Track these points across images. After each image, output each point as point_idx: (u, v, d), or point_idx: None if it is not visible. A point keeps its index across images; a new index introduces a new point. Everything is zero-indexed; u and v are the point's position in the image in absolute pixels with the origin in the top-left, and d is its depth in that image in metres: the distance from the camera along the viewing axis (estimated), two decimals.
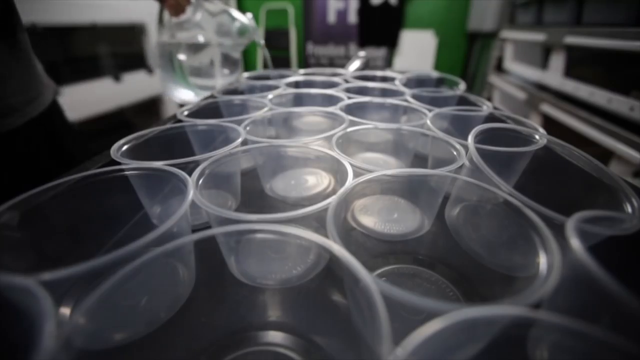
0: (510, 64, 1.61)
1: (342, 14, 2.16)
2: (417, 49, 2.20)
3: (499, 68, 1.74)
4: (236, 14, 0.61)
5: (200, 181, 0.26)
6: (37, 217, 0.23)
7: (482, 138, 0.32)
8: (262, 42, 0.66)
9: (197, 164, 0.28)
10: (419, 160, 0.43)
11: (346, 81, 0.62)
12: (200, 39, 0.58)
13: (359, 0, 1.60)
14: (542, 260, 0.18)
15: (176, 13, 0.57)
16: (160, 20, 0.59)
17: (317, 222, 0.23)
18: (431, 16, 2.19)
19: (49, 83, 0.52)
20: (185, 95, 0.64)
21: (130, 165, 0.27)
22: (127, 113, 1.64)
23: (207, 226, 0.30)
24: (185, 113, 0.43)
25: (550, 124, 1.11)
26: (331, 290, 0.24)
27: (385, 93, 0.56)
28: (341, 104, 0.45)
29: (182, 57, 0.58)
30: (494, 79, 1.73)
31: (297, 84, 0.63)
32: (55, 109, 0.53)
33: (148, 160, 0.27)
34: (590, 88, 0.96)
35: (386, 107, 0.48)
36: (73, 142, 0.56)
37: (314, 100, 0.52)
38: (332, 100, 0.50)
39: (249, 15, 0.62)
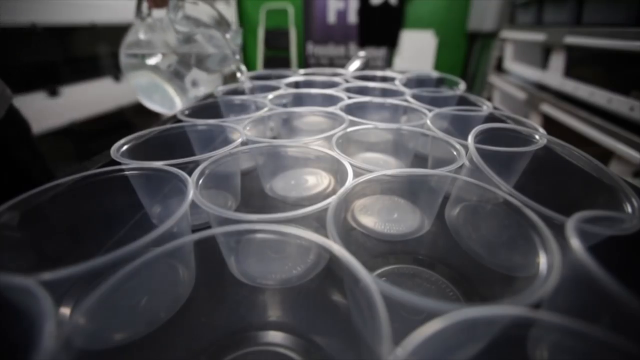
0: (510, 64, 1.61)
1: (342, 14, 2.16)
2: (417, 49, 2.20)
3: (499, 68, 1.74)
4: (214, 36, 0.52)
5: (200, 181, 0.26)
6: (37, 217, 0.23)
7: (482, 138, 0.32)
8: (243, 70, 0.58)
9: (197, 164, 0.28)
10: (419, 160, 0.43)
11: (346, 81, 0.62)
12: (170, 40, 0.50)
13: (359, 0, 1.60)
14: (542, 260, 0.18)
15: (157, 4, 0.49)
16: (139, 12, 0.50)
17: (317, 222, 0.23)
18: (431, 16, 2.19)
19: (2, 92, 0.45)
20: (152, 99, 0.55)
21: (130, 165, 0.27)
22: (127, 113, 1.64)
23: (207, 226, 0.30)
24: (186, 113, 0.43)
25: (550, 124, 1.11)
26: (331, 290, 0.24)
27: (385, 93, 0.56)
28: (341, 104, 0.45)
29: (152, 60, 0.51)
30: (494, 79, 1.73)
31: (297, 84, 0.63)
32: (8, 123, 0.46)
33: (148, 160, 0.27)
34: (590, 88, 0.96)
35: (386, 107, 0.48)
36: (31, 160, 0.49)
37: (314, 100, 0.52)
38: (332, 100, 0.50)
39: (233, 33, 0.53)
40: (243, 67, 0.58)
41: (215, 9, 0.54)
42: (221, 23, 0.54)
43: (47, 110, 1.22)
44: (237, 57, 0.55)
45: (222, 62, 0.54)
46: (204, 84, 0.60)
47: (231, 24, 0.55)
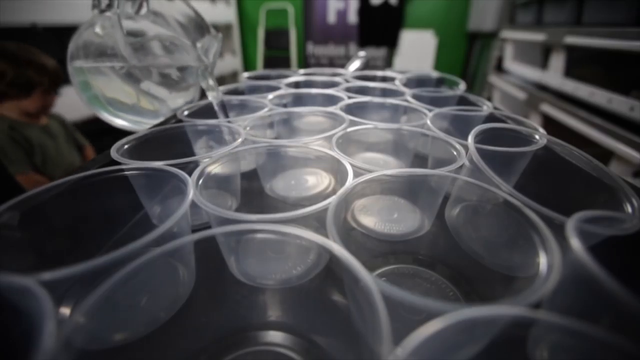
0: (510, 64, 1.61)
1: (342, 14, 2.16)
2: (417, 49, 2.20)
3: (499, 68, 1.74)
4: (180, 44, 0.41)
5: (200, 181, 0.26)
6: (37, 217, 0.23)
7: (482, 138, 0.32)
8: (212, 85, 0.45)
9: (197, 164, 0.28)
10: (419, 160, 0.43)
11: (346, 81, 0.62)
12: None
13: (359, 0, 1.60)
14: (542, 260, 0.18)
15: None
16: (96, 2, 0.37)
17: (317, 222, 0.23)
18: (431, 16, 2.20)
19: None
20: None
21: (130, 165, 0.27)
22: None
23: (207, 226, 0.29)
24: (185, 113, 0.43)
25: (550, 124, 1.11)
26: (331, 290, 0.24)
27: (385, 93, 0.56)
28: (341, 104, 0.45)
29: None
30: (494, 79, 1.73)
31: (297, 84, 0.63)
32: None
33: (148, 160, 0.27)
34: (590, 88, 0.96)
35: (386, 107, 0.48)
36: None
37: (315, 100, 0.52)
38: (332, 100, 0.50)
39: (205, 41, 0.42)
40: (212, 83, 0.45)
41: (192, 7, 0.42)
42: (201, 27, 0.43)
43: None
44: (208, 72, 0.43)
45: (185, 78, 0.42)
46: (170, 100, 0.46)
47: (210, 29, 0.43)
